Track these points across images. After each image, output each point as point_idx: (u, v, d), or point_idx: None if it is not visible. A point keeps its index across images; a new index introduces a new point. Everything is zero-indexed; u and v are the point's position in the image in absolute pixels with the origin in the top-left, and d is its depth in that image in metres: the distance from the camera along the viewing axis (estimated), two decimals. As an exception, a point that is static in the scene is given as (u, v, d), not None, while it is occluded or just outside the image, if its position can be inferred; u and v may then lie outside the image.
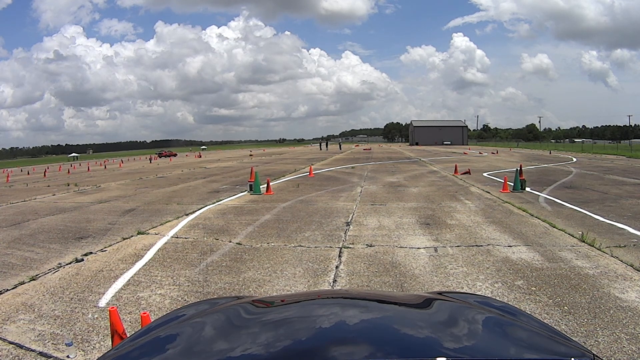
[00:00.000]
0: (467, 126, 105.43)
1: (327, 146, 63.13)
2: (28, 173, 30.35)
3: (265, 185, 11.86)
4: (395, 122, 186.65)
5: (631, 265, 4.60)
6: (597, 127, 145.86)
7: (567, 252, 5.24)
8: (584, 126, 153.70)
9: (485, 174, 16.08)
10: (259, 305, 1.53)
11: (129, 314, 3.70)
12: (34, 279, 4.71)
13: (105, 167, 34.07)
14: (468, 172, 16.14)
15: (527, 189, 11.12)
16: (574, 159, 26.47)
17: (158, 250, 5.84)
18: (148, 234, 6.93)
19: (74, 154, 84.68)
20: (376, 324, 1.27)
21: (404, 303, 1.56)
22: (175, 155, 62.99)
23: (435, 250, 5.48)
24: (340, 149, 58.67)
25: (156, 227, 7.44)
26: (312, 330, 1.23)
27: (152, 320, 1.91)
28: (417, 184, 13.28)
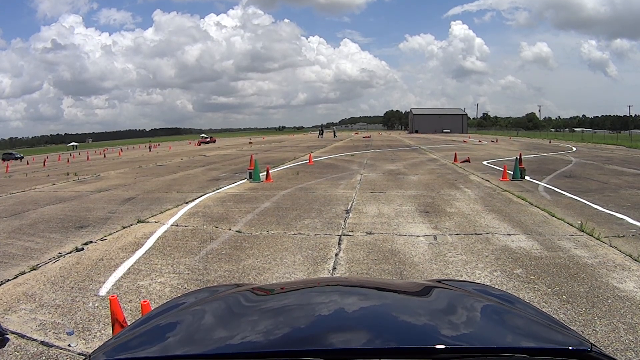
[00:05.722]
0: (466, 114, 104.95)
1: (322, 134, 61.95)
2: (27, 163, 30.29)
3: (265, 173, 11.86)
4: (394, 110, 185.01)
5: (630, 255, 4.62)
6: (597, 116, 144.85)
7: (566, 241, 5.26)
8: (584, 115, 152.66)
9: (484, 163, 16.06)
10: (259, 293, 1.54)
11: (129, 302, 3.73)
12: (34, 269, 4.72)
13: (104, 156, 33.99)
14: (467, 161, 16.13)
15: (527, 177, 11.12)
16: (574, 149, 26.42)
17: (158, 239, 5.85)
18: (148, 222, 6.94)
19: (73, 143, 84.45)
20: (375, 311, 1.28)
21: (403, 291, 1.57)
22: (214, 141, 59.38)
23: (435, 238, 5.49)
24: (335, 136, 57.67)
25: (156, 215, 7.44)
26: (312, 317, 1.23)
27: (153, 308, 1.92)
28: (417, 171, 13.27)
